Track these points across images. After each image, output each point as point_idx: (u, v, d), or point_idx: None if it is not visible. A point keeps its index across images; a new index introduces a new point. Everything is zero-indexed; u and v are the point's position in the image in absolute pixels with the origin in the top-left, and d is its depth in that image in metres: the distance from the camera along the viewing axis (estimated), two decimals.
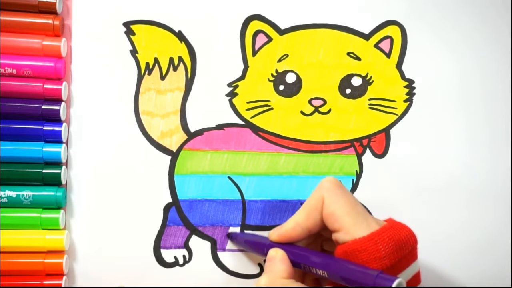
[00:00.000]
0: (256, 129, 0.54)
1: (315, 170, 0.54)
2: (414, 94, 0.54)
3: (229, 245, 0.54)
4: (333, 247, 0.47)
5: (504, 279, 0.56)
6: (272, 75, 0.53)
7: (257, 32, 0.53)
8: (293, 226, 0.47)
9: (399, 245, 0.43)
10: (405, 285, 0.40)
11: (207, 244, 0.54)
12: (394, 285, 0.39)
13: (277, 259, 0.46)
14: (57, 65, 0.50)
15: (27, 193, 0.50)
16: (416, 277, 0.45)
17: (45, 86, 0.50)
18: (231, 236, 0.54)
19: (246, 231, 0.54)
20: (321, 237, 0.50)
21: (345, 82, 0.54)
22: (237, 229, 0.54)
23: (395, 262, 0.43)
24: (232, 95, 0.53)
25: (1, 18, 0.50)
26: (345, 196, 0.46)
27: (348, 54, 0.54)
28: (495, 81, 0.55)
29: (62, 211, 0.52)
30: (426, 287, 0.46)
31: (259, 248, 0.49)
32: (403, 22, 0.54)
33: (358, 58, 0.54)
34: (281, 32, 0.53)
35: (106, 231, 0.53)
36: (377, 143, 0.55)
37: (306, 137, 0.54)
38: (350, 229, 0.44)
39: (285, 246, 0.47)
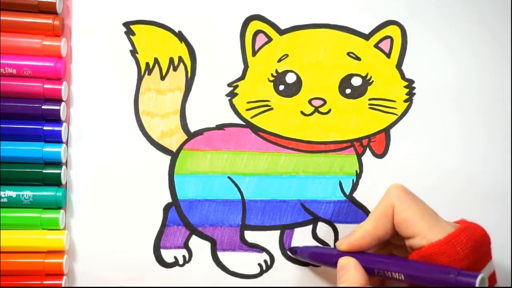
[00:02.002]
0: (256, 129, 0.54)
1: (315, 170, 0.54)
2: (414, 94, 0.54)
3: (229, 245, 0.54)
4: (403, 253, 0.47)
5: (504, 279, 0.56)
6: (272, 75, 0.53)
7: (257, 32, 0.53)
8: (363, 234, 0.47)
9: (475, 246, 0.43)
10: (487, 281, 0.40)
11: (207, 244, 0.54)
12: (478, 280, 0.39)
13: (351, 267, 0.46)
14: (57, 65, 0.50)
15: (27, 193, 0.51)
16: (493, 277, 0.45)
17: (45, 86, 0.50)
18: (294, 250, 0.53)
19: (307, 245, 0.54)
20: (389, 244, 0.49)
21: (345, 82, 0.54)
22: (237, 229, 0.54)
23: (473, 263, 0.43)
24: (232, 95, 0.53)
25: (1, 18, 0.50)
26: (416, 201, 0.46)
27: (348, 54, 0.54)
28: (495, 81, 0.55)
29: (62, 211, 0.52)
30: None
31: (327, 259, 0.49)
32: (403, 22, 0.54)
33: (358, 58, 0.54)
34: (281, 32, 0.53)
35: (106, 231, 0.53)
36: (377, 143, 0.55)
37: (306, 137, 0.54)
38: (426, 234, 0.44)
39: (355, 254, 0.47)
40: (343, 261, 0.47)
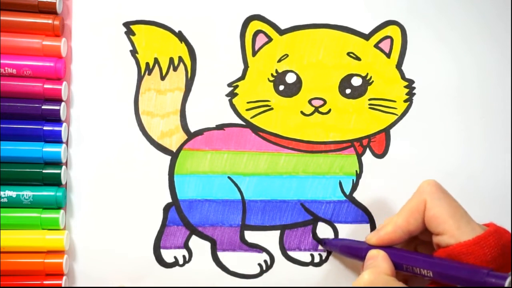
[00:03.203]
0: (256, 129, 0.54)
1: (315, 170, 0.54)
2: (414, 94, 0.54)
3: (229, 245, 0.54)
4: (428, 250, 0.47)
5: None
6: (272, 75, 0.53)
7: (257, 32, 0.53)
8: (393, 229, 0.47)
9: (504, 250, 0.43)
10: None
11: (207, 244, 0.54)
12: (507, 281, 0.39)
13: (380, 257, 0.46)
14: (57, 65, 0.50)
15: (27, 193, 0.51)
16: None
17: (45, 86, 0.50)
18: (324, 242, 0.54)
19: (339, 238, 0.54)
20: (415, 240, 0.49)
21: (345, 82, 0.54)
22: (237, 229, 0.54)
23: (500, 267, 0.42)
24: (232, 95, 0.53)
25: (1, 18, 0.50)
26: (448, 199, 0.46)
27: (348, 54, 0.54)
28: (495, 81, 0.55)
29: (62, 211, 0.52)
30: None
31: (357, 252, 0.49)
32: (403, 22, 0.54)
33: (358, 58, 0.54)
34: (281, 32, 0.53)
35: (106, 231, 0.53)
36: (377, 143, 0.55)
37: (306, 137, 0.54)
38: (454, 233, 0.44)
39: (384, 249, 0.47)
40: (373, 252, 0.47)
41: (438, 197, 0.46)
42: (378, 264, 0.46)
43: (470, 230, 0.44)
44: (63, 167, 0.52)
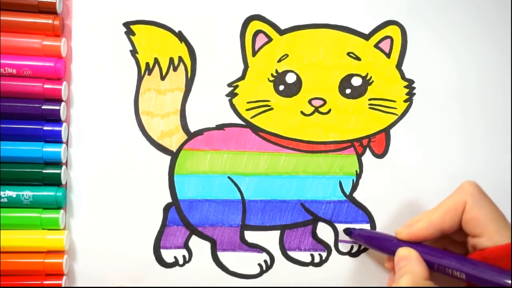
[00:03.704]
0: (256, 129, 0.54)
1: (315, 170, 0.54)
2: (414, 94, 0.54)
3: (229, 245, 0.54)
4: (459, 250, 0.46)
5: None
6: (272, 75, 0.53)
7: (257, 32, 0.53)
8: (427, 225, 0.46)
9: None
10: None
11: (207, 244, 0.54)
12: None
13: (413, 259, 0.45)
14: (57, 65, 0.50)
15: (27, 193, 0.51)
16: None
17: (45, 86, 0.50)
18: (350, 232, 0.53)
19: (365, 228, 0.54)
20: (446, 238, 0.48)
21: (345, 82, 0.54)
22: (237, 229, 0.54)
23: None
24: (232, 95, 0.53)
25: (1, 18, 0.50)
26: (488, 201, 0.45)
27: (348, 54, 0.54)
28: (495, 81, 0.55)
29: (62, 211, 0.52)
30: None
31: (385, 245, 0.48)
32: (403, 22, 0.54)
33: (358, 58, 0.54)
34: (281, 32, 0.53)
35: (106, 231, 0.53)
36: (377, 143, 0.55)
37: (306, 137, 0.54)
38: (493, 236, 0.43)
39: (414, 245, 0.46)
40: (404, 251, 0.46)
41: (479, 199, 0.45)
42: (412, 267, 0.44)
43: (508, 234, 0.43)
44: (63, 167, 0.52)
